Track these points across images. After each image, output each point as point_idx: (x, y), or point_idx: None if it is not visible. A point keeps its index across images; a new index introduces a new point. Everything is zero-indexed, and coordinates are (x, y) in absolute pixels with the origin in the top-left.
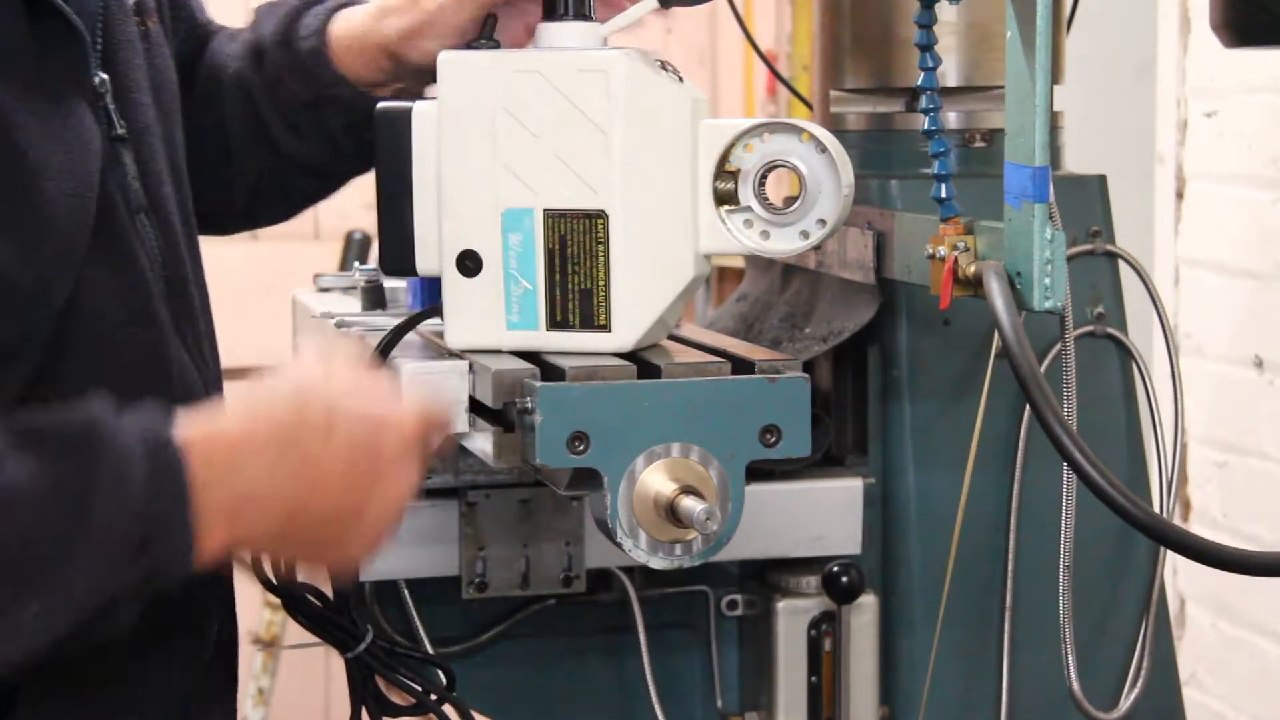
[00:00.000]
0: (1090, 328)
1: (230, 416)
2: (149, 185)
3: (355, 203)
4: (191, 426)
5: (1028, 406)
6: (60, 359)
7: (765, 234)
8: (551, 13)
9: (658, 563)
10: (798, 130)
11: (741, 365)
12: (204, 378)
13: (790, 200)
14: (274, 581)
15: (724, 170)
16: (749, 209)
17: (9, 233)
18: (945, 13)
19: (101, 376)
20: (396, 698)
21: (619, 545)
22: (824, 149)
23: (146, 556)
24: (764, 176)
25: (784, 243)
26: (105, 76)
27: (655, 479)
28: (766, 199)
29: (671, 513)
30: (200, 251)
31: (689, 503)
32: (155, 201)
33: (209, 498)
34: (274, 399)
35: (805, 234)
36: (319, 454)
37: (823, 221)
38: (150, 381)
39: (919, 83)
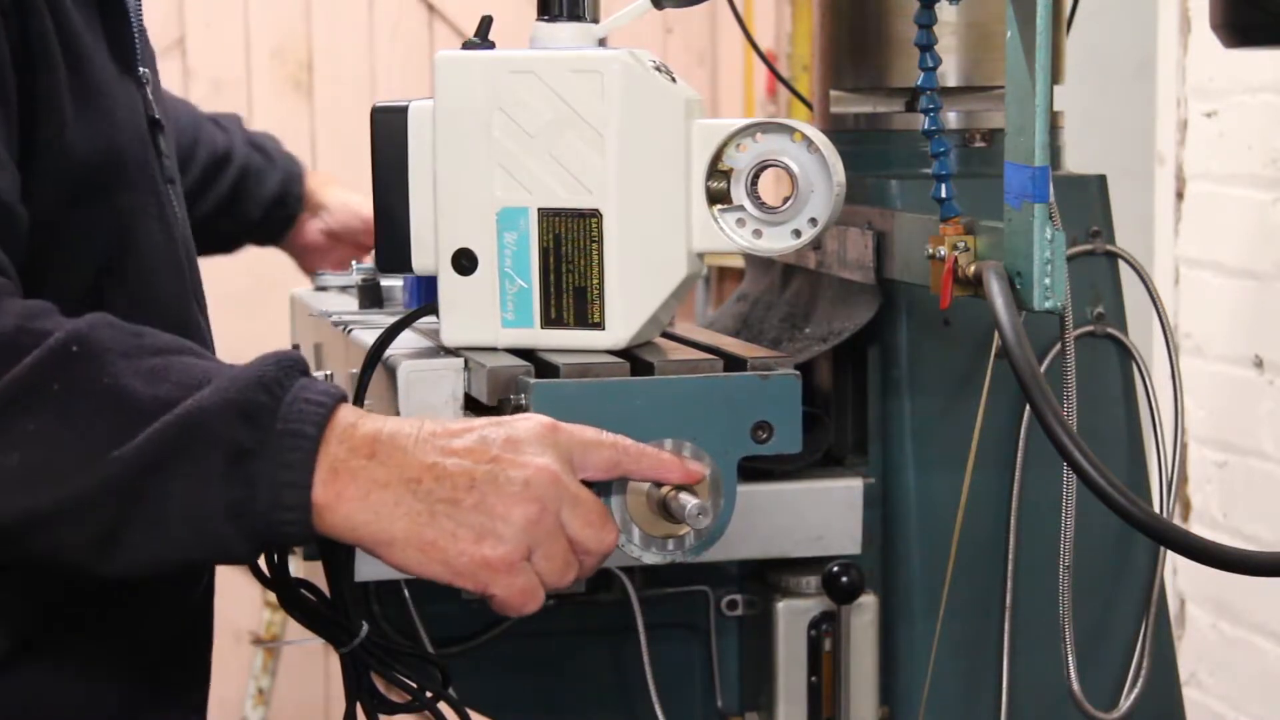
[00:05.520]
0: (1090, 328)
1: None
2: (170, 166)
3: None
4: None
5: (1028, 406)
6: (117, 291)
7: (758, 233)
8: (546, 13)
9: (651, 558)
10: (789, 130)
11: (733, 363)
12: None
13: (784, 199)
14: (268, 575)
15: (717, 170)
16: (741, 208)
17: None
18: (945, 13)
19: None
20: (396, 697)
21: None
22: (815, 148)
23: (251, 465)
24: (756, 176)
25: (776, 241)
26: (146, 70)
27: None
28: (759, 198)
29: (664, 508)
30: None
31: (681, 498)
32: (175, 180)
33: (345, 441)
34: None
35: (797, 232)
36: (456, 447)
37: (814, 220)
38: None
39: (919, 82)
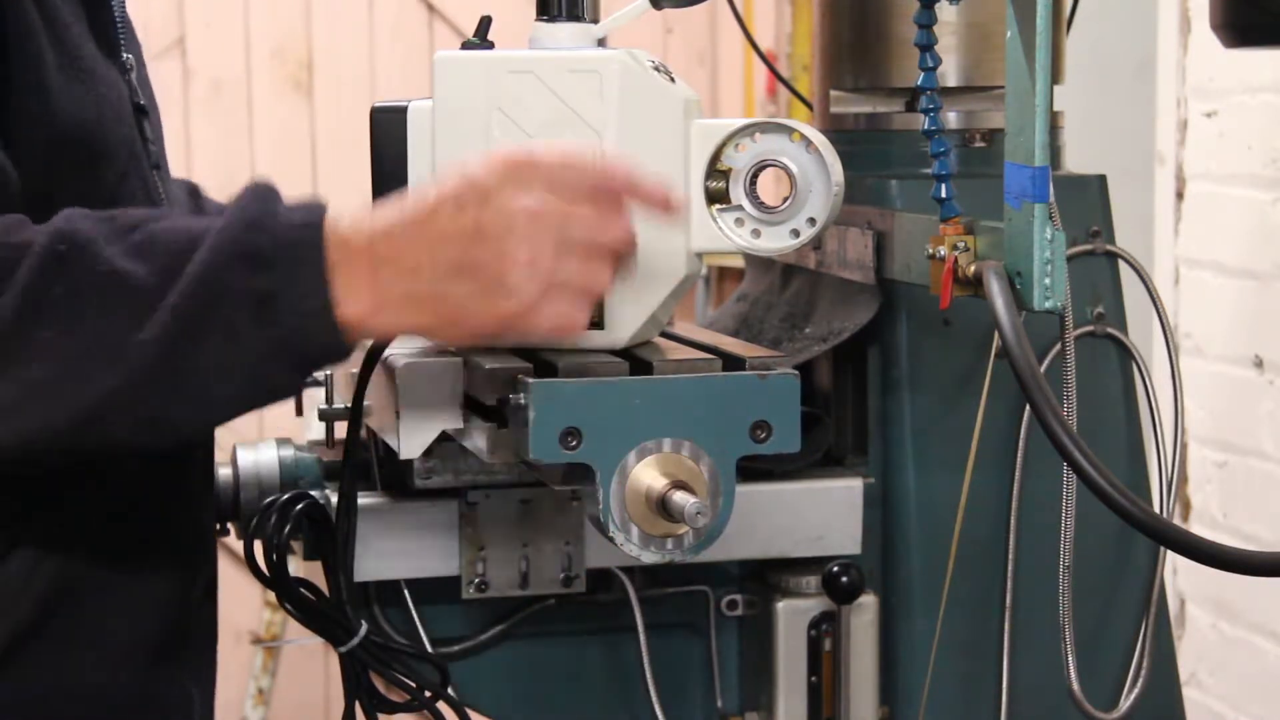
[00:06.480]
0: (1090, 328)
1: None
2: (156, 152)
3: (356, 203)
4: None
5: (1028, 406)
6: None
7: (756, 232)
8: (545, 13)
9: (649, 557)
10: (788, 130)
11: (732, 362)
12: None
13: (783, 199)
14: (268, 574)
15: (715, 170)
16: (740, 208)
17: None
18: (945, 13)
19: None
20: (396, 696)
21: (611, 539)
22: (814, 148)
23: (274, 310)
24: (755, 176)
25: (775, 241)
26: (130, 56)
27: (647, 474)
28: (758, 198)
29: (663, 507)
30: None
31: (679, 497)
32: (161, 165)
33: (345, 255)
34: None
35: (796, 232)
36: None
37: (813, 220)
38: None
39: (919, 82)
